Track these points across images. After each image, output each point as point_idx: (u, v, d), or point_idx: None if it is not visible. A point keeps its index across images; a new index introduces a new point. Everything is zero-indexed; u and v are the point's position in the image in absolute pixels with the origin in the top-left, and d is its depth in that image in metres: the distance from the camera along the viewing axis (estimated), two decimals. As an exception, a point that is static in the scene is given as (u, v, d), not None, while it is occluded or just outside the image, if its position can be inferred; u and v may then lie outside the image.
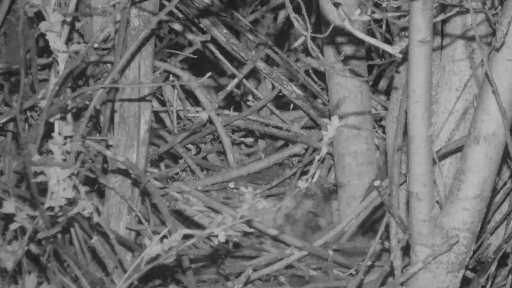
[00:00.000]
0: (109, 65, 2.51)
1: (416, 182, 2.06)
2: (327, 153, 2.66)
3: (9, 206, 2.09)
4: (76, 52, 2.18)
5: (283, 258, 2.51)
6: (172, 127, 2.94)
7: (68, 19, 2.21)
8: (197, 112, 2.94)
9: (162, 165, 2.94)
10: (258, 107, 2.97)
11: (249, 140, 3.06)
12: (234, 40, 2.89)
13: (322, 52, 2.69)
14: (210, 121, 2.93)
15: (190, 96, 2.97)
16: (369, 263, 2.27)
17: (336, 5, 1.96)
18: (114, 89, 2.41)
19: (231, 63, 3.01)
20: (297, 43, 3.04)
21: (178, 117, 2.96)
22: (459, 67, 2.28)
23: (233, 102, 3.14)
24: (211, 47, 2.98)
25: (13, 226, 2.11)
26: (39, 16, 2.16)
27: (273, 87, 2.95)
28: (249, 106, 3.06)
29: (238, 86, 3.05)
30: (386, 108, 2.85)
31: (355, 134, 2.71)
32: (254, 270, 2.48)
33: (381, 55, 2.92)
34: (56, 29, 2.14)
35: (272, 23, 3.27)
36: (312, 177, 1.84)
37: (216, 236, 1.86)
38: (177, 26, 2.96)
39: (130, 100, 2.46)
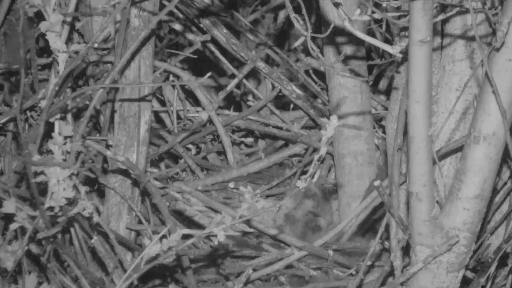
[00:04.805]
0: (109, 65, 2.52)
1: (416, 182, 2.06)
2: (327, 153, 2.67)
3: (9, 206, 2.09)
4: (76, 52, 2.18)
5: (283, 258, 2.52)
6: (172, 127, 2.94)
7: (68, 19, 2.21)
8: (197, 112, 2.94)
9: (162, 165, 2.94)
10: (258, 107, 2.97)
11: (249, 140, 3.06)
12: (234, 40, 2.89)
13: (322, 52, 2.69)
14: (210, 121, 2.93)
15: (190, 96, 2.98)
16: (369, 263, 2.27)
17: (336, 5, 1.96)
18: (114, 89, 2.41)
19: (231, 63, 3.01)
20: (297, 43, 3.06)
21: (178, 117, 2.96)
22: (459, 67, 2.28)
23: (233, 102, 3.14)
24: (211, 47, 2.98)
25: (13, 226, 2.11)
26: (39, 16, 2.16)
27: (273, 87, 2.96)
28: (249, 106, 3.07)
29: (238, 86, 3.05)
30: (386, 108, 2.85)
31: (355, 134, 2.71)
32: (254, 270, 2.48)
33: (381, 55, 2.92)
34: (56, 29, 2.14)
35: (272, 23, 3.27)
36: (312, 176, 1.84)
37: (216, 235, 1.87)
38: (177, 26, 2.96)
39: (130, 100, 2.46)
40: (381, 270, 2.24)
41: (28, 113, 2.54)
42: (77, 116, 2.41)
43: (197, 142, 2.97)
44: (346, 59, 2.66)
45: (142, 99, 2.48)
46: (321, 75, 2.90)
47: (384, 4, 1.99)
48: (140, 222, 2.50)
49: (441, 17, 2.09)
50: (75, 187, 2.14)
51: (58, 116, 2.20)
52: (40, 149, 2.17)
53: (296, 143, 2.93)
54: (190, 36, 2.95)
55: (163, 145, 2.89)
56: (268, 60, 3.09)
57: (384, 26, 2.84)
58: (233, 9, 3.14)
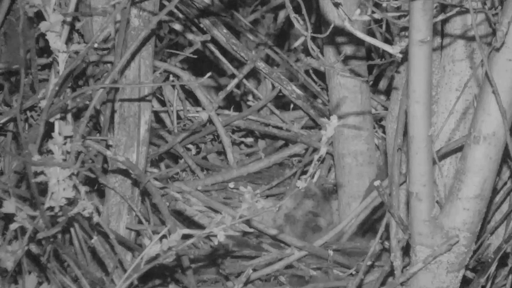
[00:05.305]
0: (109, 65, 2.51)
1: (416, 182, 2.06)
2: (327, 153, 2.67)
3: (9, 206, 2.09)
4: (76, 52, 2.18)
5: (283, 258, 2.52)
6: (172, 127, 2.94)
7: (68, 19, 2.21)
8: (197, 112, 2.94)
9: (162, 165, 2.94)
10: (258, 107, 2.97)
11: (249, 140, 3.06)
12: (234, 40, 2.89)
13: (322, 52, 2.69)
14: (210, 121, 2.93)
15: (190, 96, 2.98)
16: (369, 263, 2.27)
17: (336, 5, 1.96)
18: (114, 89, 2.41)
19: (231, 63, 3.01)
20: (297, 43, 3.06)
21: (178, 117, 2.96)
22: (459, 67, 2.28)
23: (233, 102, 3.14)
24: (211, 47, 2.98)
25: (13, 226, 2.11)
26: (39, 16, 2.16)
27: (273, 87, 2.96)
28: (249, 106, 3.07)
29: (238, 86, 3.05)
30: (386, 108, 2.85)
31: (355, 134, 2.71)
32: (254, 270, 2.48)
33: (381, 55, 2.92)
34: (56, 29, 2.14)
35: (272, 23, 3.27)
36: (312, 176, 1.84)
37: (216, 235, 1.87)
38: (177, 26, 2.96)
39: (130, 100, 2.46)
40: (381, 270, 2.24)
41: (28, 113, 2.54)
42: (77, 116, 2.41)
43: (197, 142, 2.97)
44: (346, 59, 2.66)
45: (142, 99, 2.48)
46: (321, 75, 2.90)
47: (384, 4, 1.99)
48: (140, 222, 2.50)
49: (441, 17, 2.09)
50: (75, 187, 2.14)
51: (58, 116, 2.20)
52: (40, 149, 2.17)
53: (296, 143, 2.93)
54: (190, 36, 2.95)
55: (163, 145, 2.89)
56: (268, 60, 3.09)
57: (384, 26, 2.84)
58: (233, 9, 3.14)
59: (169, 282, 2.48)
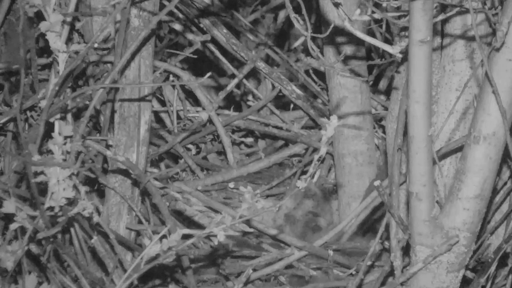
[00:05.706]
0: (109, 65, 2.52)
1: (416, 182, 2.06)
2: (327, 153, 2.67)
3: (9, 206, 2.09)
4: (76, 52, 2.18)
5: (283, 258, 2.52)
6: (172, 127, 2.94)
7: (68, 19, 2.21)
8: (197, 112, 2.94)
9: (162, 165, 2.94)
10: (258, 107, 2.97)
11: (249, 140, 3.06)
12: (234, 40, 2.89)
13: (322, 52, 2.69)
14: (210, 121, 2.93)
15: (190, 96, 2.98)
16: (369, 263, 2.27)
17: (336, 5, 1.96)
18: (114, 89, 2.41)
19: (231, 63, 3.01)
20: (297, 43, 3.06)
21: (178, 117, 2.96)
22: (459, 67, 2.28)
23: (233, 102, 3.14)
24: (211, 47, 2.98)
25: (13, 226, 2.11)
26: (39, 16, 2.16)
27: (273, 87, 2.96)
28: (249, 106, 3.07)
29: (238, 86, 3.05)
30: (386, 108, 2.85)
31: (355, 134, 2.71)
32: (254, 270, 2.48)
33: (381, 55, 2.92)
34: (56, 29, 2.14)
35: (272, 23, 3.27)
36: (312, 176, 1.84)
37: (216, 235, 1.87)
38: (177, 26, 2.96)
39: (130, 100, 2.46)
40: (381, 270, 2.24)
41: (28, 113, 2.54)
42: (77, 116, 2.41)
43: (197, 142, 2.97)
44: (346, 59, 2.66)
45: (142, 99, 2.48)
46: (321, 75, 2.90)
47: (384, 4, 1.99)
48: (140, 222, 2.50)
49: (441, 17, 2.09)
50: (75, 187, 2.14)
51: (58, 116, 2.20)
52: (40, 149, 2.17)
53: (296, 143, 2.93)
54: (190, 36, 2.95)
55: (163, 145, 2.89)
56: (268, 60, 3.09)
57: (384, 26, 2.84)
58: (233, 9, 3.14)
59: (169, 282, 2.48)
